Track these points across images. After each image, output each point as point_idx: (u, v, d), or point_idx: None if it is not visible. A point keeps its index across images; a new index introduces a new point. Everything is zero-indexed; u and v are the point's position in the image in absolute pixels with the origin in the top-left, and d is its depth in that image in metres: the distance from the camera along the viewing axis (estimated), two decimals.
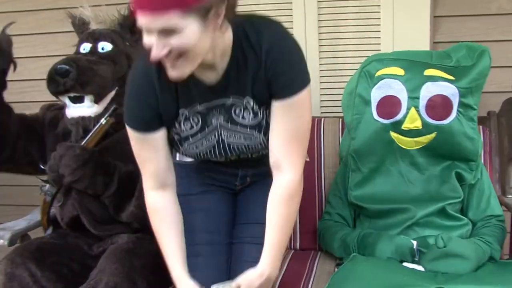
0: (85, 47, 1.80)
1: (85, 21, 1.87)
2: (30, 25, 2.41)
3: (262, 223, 1.29)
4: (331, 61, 2.16)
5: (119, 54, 1.79)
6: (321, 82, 2.18)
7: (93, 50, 1.79)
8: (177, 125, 1.28)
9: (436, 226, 1.62)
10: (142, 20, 1.07)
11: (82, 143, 1.65)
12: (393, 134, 1.69)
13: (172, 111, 1.25)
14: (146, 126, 1.25)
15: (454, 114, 1.65)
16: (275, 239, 1.26)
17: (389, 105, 1.68)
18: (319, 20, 2.15)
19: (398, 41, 2.01)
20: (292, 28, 2.17)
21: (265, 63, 1.18)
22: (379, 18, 2.10)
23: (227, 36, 1.18)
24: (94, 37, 1.81)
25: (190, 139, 1.30)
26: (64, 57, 1.81)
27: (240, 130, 1.27)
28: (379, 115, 1.70)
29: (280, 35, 1.22)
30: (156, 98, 1.23)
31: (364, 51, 2.08)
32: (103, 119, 1.68)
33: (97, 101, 1.71)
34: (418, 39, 2.02)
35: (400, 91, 1.67)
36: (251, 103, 1.24)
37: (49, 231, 1.80)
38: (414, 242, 1.55)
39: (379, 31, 2.11)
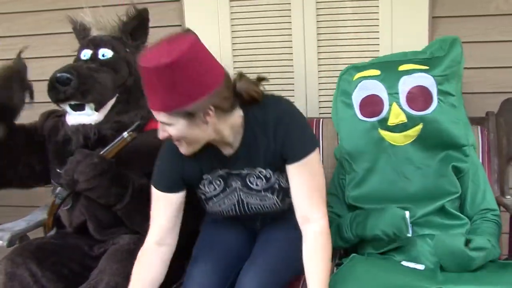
0: (86, 54, 1.79)
1: (86, 26, 1.86)
2: (29, 26, 2.42)
3: (279, 240, 1.51)
4: (330, 61, 2.16)
5: (119, 62, 1.77)
6: (319, 83, 2.18)
7: (94, 56, 1.78)
8: (201, 187, 1.49)
9: (435, 225, 1.62)
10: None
11: (101, 153, 1.64)
12: (382, 132, 1.70)
13: (196, 176, 1.47)
14: (168, 187, 1.45)
15: (435, 102, 1.68)
16: (323, 276, 1.35)
17: (371, 104, 1.72)
18: (317, 21, 2.15)
19: (397, 41, 2.02)
20: (290, 28, 2.18)
21: (274, 135, 1.38)
22: (378, 19, 2.10)
23: (235, 120, 1.38)
24: (95, 44, 1.80)
25: (214, 199, 1.50)
26: (62, 57, 1.82)
27: (255, 193, 1.48)
28: (364, 115, 1.73)
29: (284, 108, 1.42)
30: (183, 165, 1.44)
31: (363, 51, 2.09)
32: (125, 133, 1.67)
33: (97, 109, 1.70)
34: (417, 40, 2.02)
35: (379, 89, 1.71)
36: (264, 172, 1.45)
37: (52, 232, 1.80)
38: (407, 212, 1.54)
39: (378, 31, 2.11)
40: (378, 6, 2.09)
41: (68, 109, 1.71)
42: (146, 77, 1.25)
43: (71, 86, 1.63)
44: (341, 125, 1.80)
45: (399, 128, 1.68)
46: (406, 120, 1.67)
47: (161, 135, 1.34)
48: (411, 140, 1.69)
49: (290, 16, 2.16)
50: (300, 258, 1.40)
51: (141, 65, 1.24)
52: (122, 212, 1.66)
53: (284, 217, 1.55)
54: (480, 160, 1.84)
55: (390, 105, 1.68)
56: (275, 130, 1.38)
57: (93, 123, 1.70)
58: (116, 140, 1.66)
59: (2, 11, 2.43)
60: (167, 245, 1.47)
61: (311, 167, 1.40)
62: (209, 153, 1.43)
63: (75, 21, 1.89)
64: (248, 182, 1.46)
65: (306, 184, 1.39)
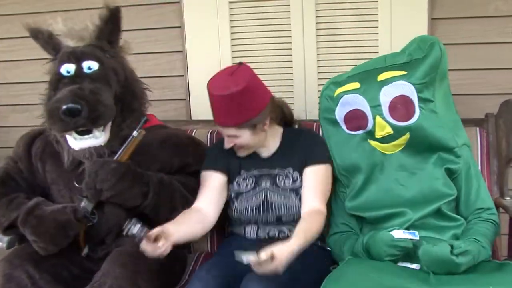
0: (69, 69, 1.67)
1: (52, 34, 1.72)
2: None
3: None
4: (329, 63, 2.17)
5: (108, 72, 1.69)
6: (319, 85, 2.18)
7: (79, 71, 1.66)
8: (236, 183, 1.76)
9: (431, 227, 1.62)
10: (218, 127, 1.70)
11: (115, 157, 1.63)
12: (372, 142, 1.71)
13: (236, 170, 1.77)
14: (217, 167, 1.75)
15: (417, 111, 1.67)
16: (307, 233, 1.53)
17: (355, 119, 1.72)
18: (317, 23, 2.15)
19: (396, 43, 2.01)
20: (290, 30, 2.18)
21: (304, 142, 1.74)
22: (377, 21, 2.11)
23: (276, 131, 1.78)
24: (76, 57, 1.67)
25: (244, 195, 1.74)
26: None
27: (281, 192, 1.72)
28: (350, 129, 1.74)
29: (311, 130, 1.91)
30: (228, 158, 1.76)
31: (362, 53, 2.09)
32: (135, 132, 1.65)
33: (103, 129, 1.67)
34: None
35: (361, 103, 1.71)
36: (291, 172, 1.73)
37: (86, 250, 1.69)
38: (393, 233, 1.54)
39: (377, 33, 2.12)
40: (377, 8, 2.10)
41: (74, 135, 1.64)
42: (218, 102, 1.62)
43: (82, 116, 1.56)
44: (331, 142, 1.79)
45: (387, 139, 1.68)
46: (392, 132, 1.67)
47: (227, 145, 1.70)
48: (401, 148, 1.69)
49: (289, 17, 2.17)
50: (308, 272, 1.54)
51: (214, 93, 1.61)
52: (149, 209, 1.66)
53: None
54: (479, 162, 1.85)
55: (374, 118, 1.68)
56: (305, 139, 1.76)
57: (102, 144, 1.66)
58: (127, 142, 1.65)
59: (2, 12, 2.43)
60: (208, 216, 1.67)
61: (323, 174, 1.71)
62: (250, 155, 1.76)
63: (36, 29, 1.72)
64: (277, 181, 1.73)
65: (316, 184, 1.68)
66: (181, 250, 1.79)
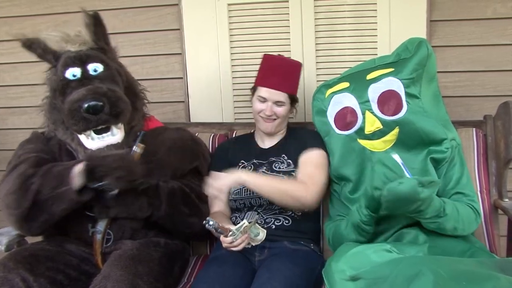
0: (74, 73, 1.66)
1: (48, 47, 1.71)
2: (26, 30, 2.38)
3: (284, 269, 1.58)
4: (329, 65, 2.17)
5: (113, 72, 1.71)
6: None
7: (85, 74, 1.66)
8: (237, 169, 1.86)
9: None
10: (266, 93, 1.83)
11: None
12: (361, 141, 1.72)
13: (236, 160, 1.91)
14: (222, 168, 1.81)
15: (405, 106, 1.68)
16: (282, 183, 1.73)
17: (345, 117, 1.74)
18: (316, 25, 2.16)
19: (395, 46, 1.99)
20: (289, 32, 2.18)
21: (300, 136, 1.89)
22: (376, 23, 2.11)
23: (285, 128, 1.95)
24: (81, 60, 1.67)
25: None
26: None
27: (275, 174, 1.81)
28: (340, 128, 1.75)
29: (309, 129, 1.97)
30: (229, 154, 1.93)
31: (361, 55, 2.10)
32: (135, 146, 1.65)
33: (120, 126, 1.68)
34: None
35: (350, 101, 1.73)
36: (286, 158, 1.85)
37: None
38: (395, 156, 1.53)
39: (376, 35, 2.12)
40: (376, 10, 2.10)
41: (92, 135, 1.64)
42: (284, 67, 1.85)
43: (104, 112, 1.58)
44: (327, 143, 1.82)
45: (377, 135, 1.69)
46: (382, 127, 1.67)
47: (269, 112, 1.83)
48: (391, 144, 1.69)
49: (288, 20, 2.17)
50: (302, 277, 1.56)
51: (284, 58, 1.89)
52: (163, 221, 1.70)
53: (284, 253, 1.68)
54: (477, 163, 1.86)
55: (364, 114, 1.70)
56: (301, 133, 1.92)
57: (119, 141, 1.66)
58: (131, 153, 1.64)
59: (0, 15, 2.43)
60: (228, 215, 1.83)
61: (314, 158, 1.79)
62: (251, 147, 1.94)
63: (28, 40, 1.71)
64: (273, 167, 1.84)
65: (307, 169, 1.77)
66: (180, 252, 1.79)
